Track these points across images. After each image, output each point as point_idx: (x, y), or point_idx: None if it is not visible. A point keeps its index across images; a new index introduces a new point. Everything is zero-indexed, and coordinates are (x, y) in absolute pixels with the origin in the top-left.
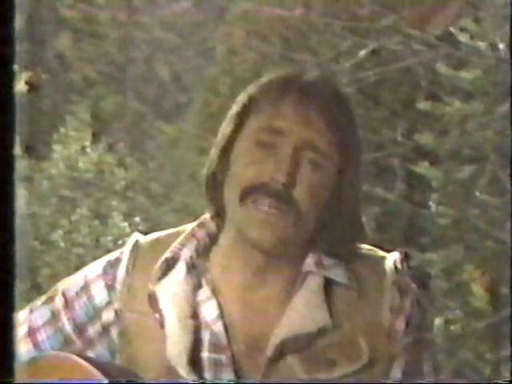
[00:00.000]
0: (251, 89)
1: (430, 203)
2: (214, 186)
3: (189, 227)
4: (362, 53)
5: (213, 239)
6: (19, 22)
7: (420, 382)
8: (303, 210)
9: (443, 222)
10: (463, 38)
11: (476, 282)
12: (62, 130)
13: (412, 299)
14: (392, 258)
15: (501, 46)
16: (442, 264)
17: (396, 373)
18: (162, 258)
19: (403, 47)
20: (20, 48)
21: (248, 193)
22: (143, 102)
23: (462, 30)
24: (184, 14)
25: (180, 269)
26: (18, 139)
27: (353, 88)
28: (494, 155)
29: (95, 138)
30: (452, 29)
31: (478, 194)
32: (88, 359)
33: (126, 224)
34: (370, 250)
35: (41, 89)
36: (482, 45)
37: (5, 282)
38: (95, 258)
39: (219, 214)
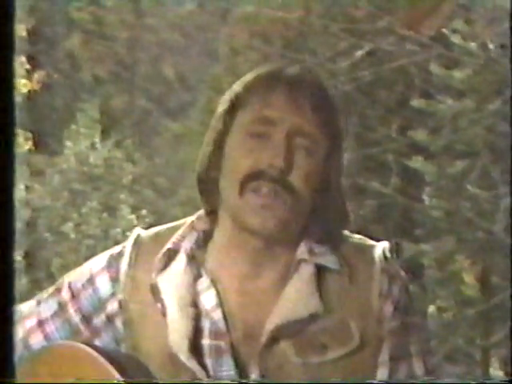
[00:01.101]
0: (237, 86)
1: (424, 196)
2: (208, 182)
3: (188, 220)
4: (359, 53)
5: (209, 233)
6: (32, 23)
7: (417, 382)
8: (300, 194)
9: (436, 215)
10: (455, 39)
11: (467, 271)
12: (73, 126)
13: (400, 285)
14: (381, 247)
15: (491, 47)
16: (434, 254)
17: (384, 355)
18: (164, 249)
19: (398, 48)
20: (33, 48)
21: (247, 182)
22: (150, 100)
23: (454, 31)
24: (189, 16)
25: (181, 260)
26: (31, 135)
27: (350, 87)
28: (484, 151)
29: (104, 134)
30: (445, 30)
31: (469, 187)
32: (95, 347)
33: (133, 216)
34: (360, 238)
35: (52, 87)
36: (473, 45)
37: (4, 284)
38: (105, 249)
39: (213, 210)
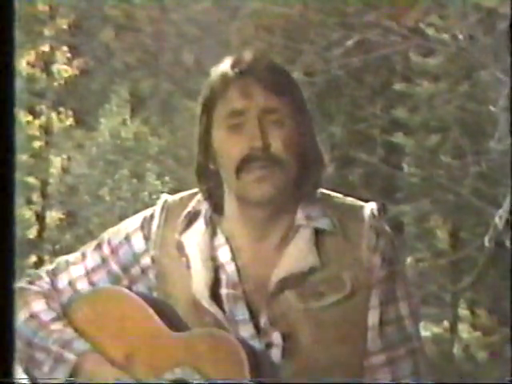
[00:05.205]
0: (204, 90)
1: (404, 165)
2: (209, 175)
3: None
4: (349, 43)
5: (221, 201)
6: (72, 18)
7: (419, 382)
8: (284, 160)
9: (414, 181)
10: (430, 31)
11: (440, 228)
12: (107, 106)
13: (386, 239)
14: (369, 207)
15: (461, 37)
16: (412, 214)
17: (374, 300)
18: (185, 212)
19: (382, 38)
20: (73, 40)
21: (240, 168)
22: (172, 83)
23: (430, 24)
24: (205, 12)
25: (200, 220)
26: (72, 113)
27: (341, 72)
28: (455, 126)
29: (134, 112)
30: (421, 24)
31: (442, 157)
32: (134, 291)
33: (158, 182)
34: (352, 200)
35: (89, 72)
36: (445, 36)
37: (3, 287)
38: (134, 210)
39: (210, 195)
